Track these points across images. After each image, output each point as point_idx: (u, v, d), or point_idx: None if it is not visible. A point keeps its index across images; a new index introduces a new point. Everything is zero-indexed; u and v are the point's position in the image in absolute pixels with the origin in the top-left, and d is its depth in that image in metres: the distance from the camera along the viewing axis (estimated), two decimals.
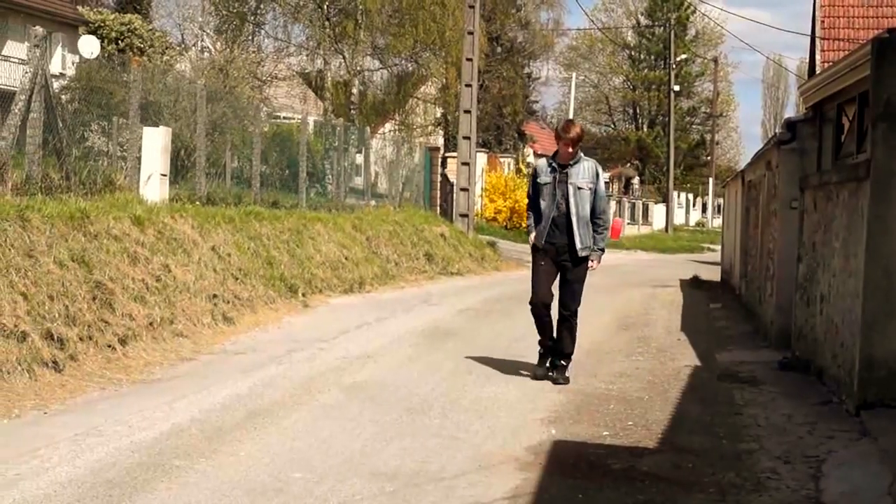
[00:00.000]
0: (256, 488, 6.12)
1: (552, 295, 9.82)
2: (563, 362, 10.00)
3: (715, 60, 69.81)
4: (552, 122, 73.21)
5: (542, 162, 10.03)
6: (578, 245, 9.59)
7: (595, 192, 9.64)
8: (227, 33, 39.20)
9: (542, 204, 9.71)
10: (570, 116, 50.87)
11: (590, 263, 9.73)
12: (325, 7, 38.53)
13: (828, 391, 9.50)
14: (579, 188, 9.56)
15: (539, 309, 9.83)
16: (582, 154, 9.78)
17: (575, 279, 9.76)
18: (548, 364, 10.05)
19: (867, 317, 8.26)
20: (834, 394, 9.25)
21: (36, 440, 6.95)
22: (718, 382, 10.48)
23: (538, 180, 9.79)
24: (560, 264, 9.73)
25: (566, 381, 9.83)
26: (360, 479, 6.39)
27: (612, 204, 51.75)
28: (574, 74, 58.17)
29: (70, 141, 14.70)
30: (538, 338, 10.13)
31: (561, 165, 9.66)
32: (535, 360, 11.36)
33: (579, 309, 9.99)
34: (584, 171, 9.63)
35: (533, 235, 9.86)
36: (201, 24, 42.45)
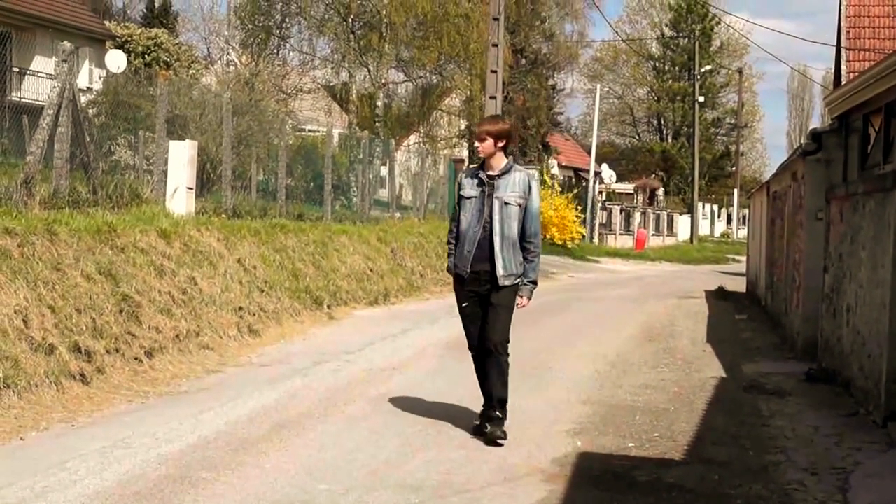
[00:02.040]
0: (282, 500, 6.14)
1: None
2: (497, 413, 7.93)
3: (740, 71, 69.67)
4: (577, 133, 73.21)
5: (468, 172, 8.21)
6: (500, 272, 7.77)
7: (526, 210, 7.86)
8: (252, 47, 39.42)
9: (464, 222, 7.95)
10: (595, 128, 50.79)
11: (518, 301, 7.90)
12: (350, 20, 38.67)
13: (855, 402, 9.45)
14: (506, 203, 7.80)
15: (477, 358, 8.11)
16: (516, 164, 8.13)
17: (500, 303, 7.85)
18: (476, 422, 8.15)
19: (895, 328, 8.21)
20: (861, 405, 9.20)
21: (64, 452, 6.99)
22: (744, 394, 10.44)
23: (462, 193, 8.02)
24: (482, 295, 7.91)
25: (503, 435, 7.83)
26: (386, 491, 6.40)
27: (637, 215, 51.64)
28: (598, 86, 58.03)
29: (97, 155, 14.82)
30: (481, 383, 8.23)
31: (489, 176, 7.89)
32: (560, 371, 11.36)
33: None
34: (515, 183, 7.85)
35: (452, 262, 8.08)
36: (227, 37, 42.72)
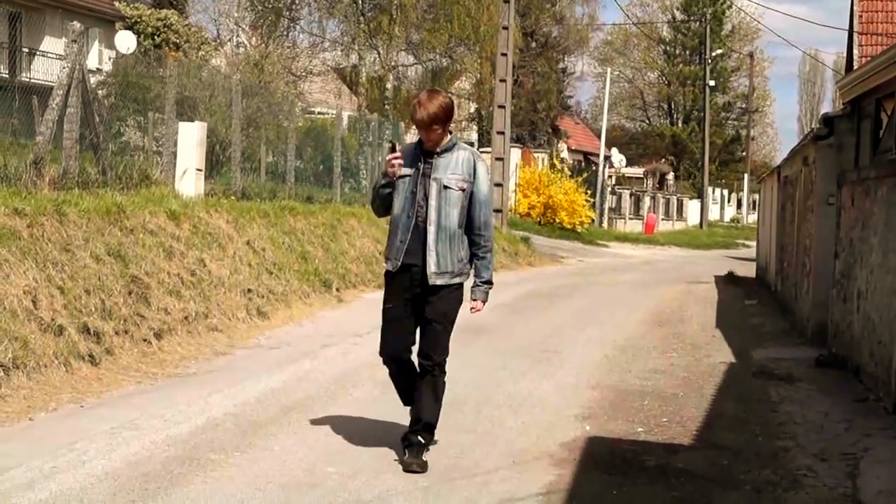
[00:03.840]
0: (291, 483, 6.14)
1: (409, 347, 6.89)
2: (419, 438, 6.67)
3: (751, 55, 69.42)
4: (587, 117, 73.02)
5: (405, 148, 6.79)
6: (431, 268, 6.49)
7: (472, 197, 6.58)
8: (262, 28, 39.36)
9: (396, 206, 6.62)
10: (605, 112, 50.58)
11: (472, 305, 6.75)
12: (360, 2, 38.61)
13: (865, 389, 9.43)
14: (445, 187, 6.49)
15: (392, 371, 6.98)
16: (459, 141, 6.78)
17: (436, 317, 6.66)
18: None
19: None
20: (871, 391, 9.18)
21: (72, 433, 7.00)
22: (754, 379, 10.42)
23: None
24: (415, 297, 6.64)
25: (422, 466, 6.54)
26: (394, 475, 6.39)
27: (647, 200, 51.51)
28: (609, 69, 57.83)
29: (106, 136, 14.80)
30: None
31: (426, 153, 6.59)
32: (569, 355, 11.33)
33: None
34: (458, 163, 6.56)
35: (382, 178, 6.78)
36: (237, 19, 42.64)
